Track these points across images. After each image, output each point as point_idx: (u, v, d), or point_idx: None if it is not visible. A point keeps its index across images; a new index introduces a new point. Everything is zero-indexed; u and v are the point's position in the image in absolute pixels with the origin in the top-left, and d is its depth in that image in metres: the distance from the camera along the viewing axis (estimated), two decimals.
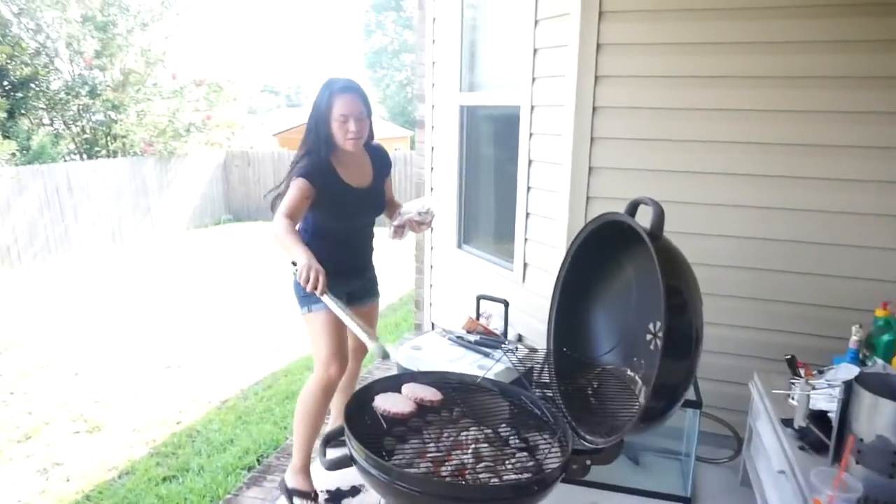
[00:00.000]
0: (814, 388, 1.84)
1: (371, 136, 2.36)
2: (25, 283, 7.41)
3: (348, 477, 2.55)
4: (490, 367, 2.13)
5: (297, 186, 2.13)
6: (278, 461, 2.72)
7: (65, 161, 10.02)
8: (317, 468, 2.60)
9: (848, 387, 1.67)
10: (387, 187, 2.50)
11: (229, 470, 2.91)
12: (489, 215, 3.74)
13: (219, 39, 12.66)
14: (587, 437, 1.58)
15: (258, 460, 3.01)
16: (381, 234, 2.46)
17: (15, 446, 3.50)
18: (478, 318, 3.02)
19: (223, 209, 12.69)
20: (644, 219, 1.65)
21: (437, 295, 4.11)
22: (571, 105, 2.66)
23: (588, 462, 1.55)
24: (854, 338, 2.21)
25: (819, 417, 1.90)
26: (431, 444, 1.61)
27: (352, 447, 1.51)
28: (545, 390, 1.87)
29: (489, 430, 1.72)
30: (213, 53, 12.46)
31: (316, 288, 1.86)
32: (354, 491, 2.48)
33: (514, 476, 1.50)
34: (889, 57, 2.25)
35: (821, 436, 1.80)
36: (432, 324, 4.23)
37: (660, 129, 2.58)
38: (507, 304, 2.92)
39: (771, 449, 2.03)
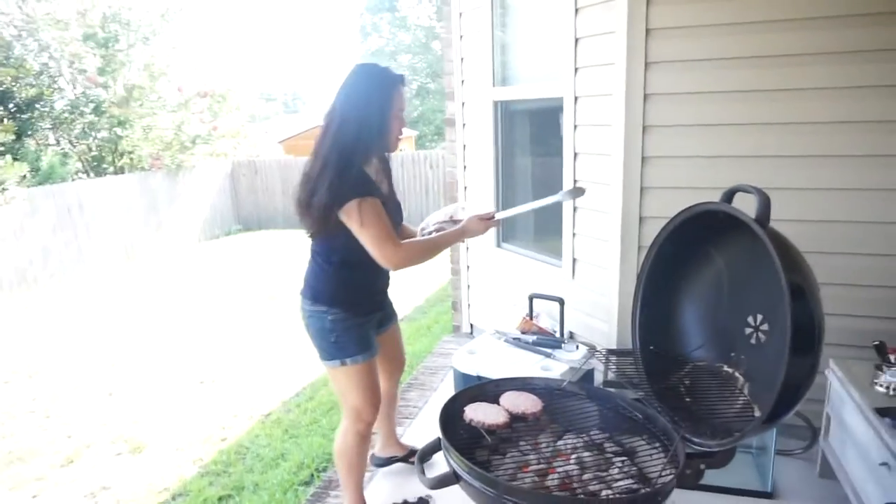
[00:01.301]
0: None
1: None
2: (44, 304, 7.36)
3: (413, 490, 2.48)
4: (578, 370, 2.05)
5: (373, 208, 1.78)
6: (336, 476, 2.63)
7: (73, 180, 9.98)
8: (375, 486, 2.54)
9: None
10: None
11: (286, 486, 2.83)
12: (529, 211, 3.65)
13: (218, 48, 12.60)
14: (695, 439, 1.50)
15: (313, 475, 2.94)
16: None
17: (58, 471, 3.44)
18: (531, 317, 2.94)
19: (233, 219, 12.62)
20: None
21: (476, 296, 4.03)
22: (622, 93, 2.58)
23: (702, 467, 1.47)
24: None
25: None
26: (531, 455, 1.54)
27: (453, 461, 1.44)
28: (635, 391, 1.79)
29: (584, 437, 1.64)
30: (214, 63, 12.41)
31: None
32: (422, 502, 2.40)
33: (626, 486, 1.42)
34: None
35: None
36: (471, 325, 4.16)
37: (715, 113, 2.49)
38: (562, 302, 2.84)
39: (866, 441, 1.95)
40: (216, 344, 5.39)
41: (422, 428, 3.02)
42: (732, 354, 1.68)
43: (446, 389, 3.39)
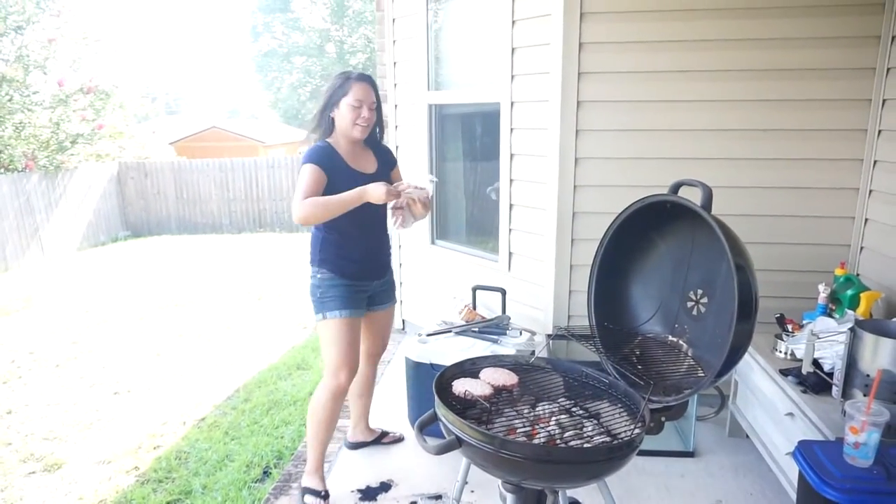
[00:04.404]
0: (818, 339, 2.12)
1: (381, 132, 2.45)
2: None
3: (377, 474, 2.58)
4: (541, 347, 2.24)
5: (307, 172, 2.14)
6: (296, 468, 2.67)
7: None
8: (340, 470, 2.61)
9: (852, 332, 1.96)
10: (394, 177, 2.47)
11: (239, 485, 2.80)
12: (461, 210, 3.85)
13: (100, 43, 11.70)
14: (653, 397, 1.74)
15: (266, 472, 2.93)
16: None
17: None
18: (474, 307, 3.13)
19: (120, 225, 11.81)
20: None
21: (409, 292, 4.15)
22: (557, 100, 2.83)
23: (663, 419, 1.71)
24: (822, 294, 2.56)
25: (815, 363, 2.19)
26: (515, 421, 1.70)
27: (452, 426, 1.58)
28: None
29: (555, 404, 1.83)
30: (96, 58, 11.54)
31: (398, 196, 2.12)
32: (385, 486, 2.50)
33: (602, 441, 1.63)
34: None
35: (826, 378, 2.09)
36: (402, 321, 4.28)
37: (641, 120, 2.81)
38: (504, 292, 3.05)
39: (773, 397, 2.31)
40: (123, 355, 5.09)
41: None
42: (676, 326, 1.95)
43: (387, 382, 3.49)
